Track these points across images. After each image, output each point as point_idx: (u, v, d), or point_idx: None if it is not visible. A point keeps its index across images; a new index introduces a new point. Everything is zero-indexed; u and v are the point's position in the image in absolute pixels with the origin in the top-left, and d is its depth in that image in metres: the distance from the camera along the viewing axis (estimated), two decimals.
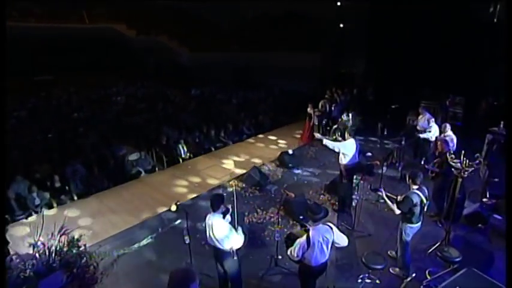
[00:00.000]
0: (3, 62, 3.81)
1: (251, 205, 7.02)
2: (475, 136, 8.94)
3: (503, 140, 6.28)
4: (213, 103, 15.88)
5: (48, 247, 4.06)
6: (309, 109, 11.06)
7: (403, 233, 4.60)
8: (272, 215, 6.60)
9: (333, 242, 3.70)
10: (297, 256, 3.62)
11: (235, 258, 3.91)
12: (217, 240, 3.81)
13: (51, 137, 10.46)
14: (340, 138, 10.74)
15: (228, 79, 18.49)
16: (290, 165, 8.81)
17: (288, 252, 3.74)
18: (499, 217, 5.91)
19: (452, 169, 4.79)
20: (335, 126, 11.01)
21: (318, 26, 14.77)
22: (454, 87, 10.81)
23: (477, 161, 4.85)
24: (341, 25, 13.63)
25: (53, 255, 4.01)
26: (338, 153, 6.43)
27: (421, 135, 7.97)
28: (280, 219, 5.19)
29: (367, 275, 4.55)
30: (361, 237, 5.78)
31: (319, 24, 14.77)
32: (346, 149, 6.26)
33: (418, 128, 8.49)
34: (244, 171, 8.73)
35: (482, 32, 10.31)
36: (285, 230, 4.94)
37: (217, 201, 3.94)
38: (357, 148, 6.39)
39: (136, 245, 5.58)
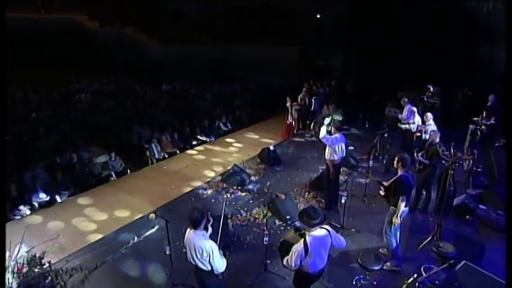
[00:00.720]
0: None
1: (234, 206, 6.72)
2: (454, 127, 9.15)
3: (485, 130, 6.39)
4: (186, 99, 15.33)
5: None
6: (288, 103, 10.86)
7: (392, 218, 4.62)
8: (257, 216, 6.34)
9: (330, 245, 3.50)
10: (295, 266, 3.37)
11: (221, 277, 3.55)
12: (200, 261, 3.40)
13: (6, 140, 9.54)
14: (319, 132, 10.79)
15: (202, 73, 17.94)
16: (272, 162, 8.58)
17: (284, 262, 3.48)
18: (484, 207, 6.01)
19: (443, 161, 4.73)
20: (316, 120, 10.97)
21: (295, 18, 14.59)
22: (432, 78, 11.01)
23: (468, 153, 4.89)
24: (318, 16, 13.53)
25: (10, 278, 3.51)
26: (324, 148, 6.29)
27: (403, 126, 8.00)
28: (266, 221, 4.90)
29: (361, 276, 4.40)
30: (350, 235, 5.66)
31: (296, 16, 14.59)
32: (335, 143, 6.11)
33: (401, 119, 8.53)
34: (223, 170, 8.42)
35: (460, 23, 10.54)
36: (271, 231, 4.69)
37: (197, 218, 3.36)
38: (345, 143, 6.28)
39: (109, 258, 5.12)
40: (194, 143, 10.77)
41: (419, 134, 7.18)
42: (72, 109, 12.66)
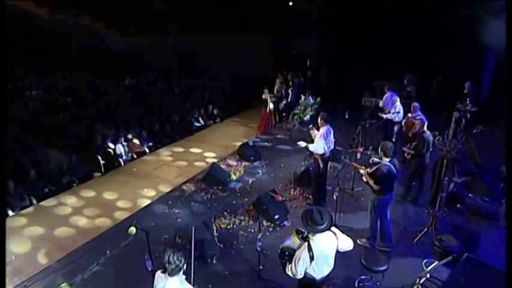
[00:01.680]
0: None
1: (216, 208, 6.32)
2: (430, 115, 9.28)
3: (469, 116, 6.48)
4: (152, 93, 14.55)
5: None
6: (264, 95, 10.54)
7: (376, 204, 4.81)
8: (243, 218, 6.00)
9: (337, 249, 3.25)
10: (300, 274, 3.08)
11: None
12: None
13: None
14: (298, 125, 10.62)
15: (168, 66, 17.12)
16: (252, 158, 8.25)
17: (287, 271, 3.18)
18: (471, 195, 6.09)
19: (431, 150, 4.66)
20: (294, 111, 10.77)
21: (266, 6, 14.22)
22: (407, 66, 11.18)
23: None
24: (290, 3, 13.27)
25: None
26: (311, 141, 6.07)
27: (385, 116, 7.97)
28: (259, 224, 4.58)
29: (363, 277, 4.21)
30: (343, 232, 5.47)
31: (268, 3, 14.22)
32: (327, 140, 5.87)
33: (382, 108, 8.53)
34: (200, 169, 7.96)
35: (433, 12, 10.71)
36: (261, 234, 4.35)
37: (177, 265, 2.64)
38: (334, 135, 6.08)
39: (78, 278, 4.53)
40: (165, 140, 10.16)
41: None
42: (21, 107, 11.50)
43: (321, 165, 6.07)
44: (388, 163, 4.65)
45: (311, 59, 13.58)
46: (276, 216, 5.81)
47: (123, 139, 9.12)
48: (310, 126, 6.33)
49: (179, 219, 6.01)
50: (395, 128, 7.88)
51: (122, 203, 6.63)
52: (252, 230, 5.66)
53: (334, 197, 5.42)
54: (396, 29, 11.19)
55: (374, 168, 4.79)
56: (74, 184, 7.42)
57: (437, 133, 4.95)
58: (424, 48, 11.04)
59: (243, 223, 5.88)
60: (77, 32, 18.71)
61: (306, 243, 3.08)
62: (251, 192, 6.87)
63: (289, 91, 11.65)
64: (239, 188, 7.08)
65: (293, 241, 3.26)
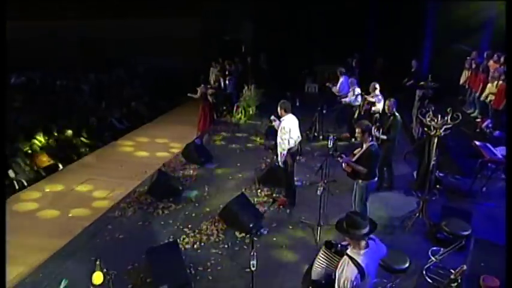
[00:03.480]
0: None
1: (173, 226, 5.49)
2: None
3: (433, 93, 6.81)
4: (53, 93, 12.58)
5: None
6: (200, 88, 9.77)
7: (365, 191, 4.73)
8: (210, 233, 5.29)
9: None
10: None
11: None
12: None
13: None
14: (244, 118, 10.20)
15: (69, 58, 15.02)
16: (202, 159, 7.53)
17: None
18: (442, 174, 6.40)
19: (425, 129, 4.67)
20: (237, 104, 10.32)
21: None
22: (348, 50, 11.61)
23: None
24: None
25: None
26: (266, 135, 5.71)
27: (344, 100, 8.03)
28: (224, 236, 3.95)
29: (385, 280, 3.90)
30: (331, 231, 5.19)
31: None
32: (293, 130, 5.57)
33: (337, 93, 8.58)
34: (139, 180, 6.94)
35: None
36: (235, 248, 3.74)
37: None
38: (298, 124, 5.81)
39: None
40: (83, 150, 8.76)
41: (369, 107, 7.22)
42: None
43: (289, 160, 5.72)
44: (373, 142, 4.61)
45: (247, 44, 13.22)
46: (251, 225, 5.27)
47: (23, 153, 7.51)
48: (272, 117, 5.92)
49: (128, 247, 5.03)
50: (356, 111, 7.97)
51: (41, 237, 5.31)
52: (226, 246, 5.01)
53: (318, 192, 5.10)
54: (336, 11, 11.53)
55: (360, 151, 4.65)
56: None
57: (431, 109, 4.95)
58: (364, 29, 11.61)
59: (212, 238, 5.18)
60: None
61: (347, 258, 2.62)
62: (211, 200, 6.21)
63: (227, 81, 11.13)
64: (195, 196, 6.33)
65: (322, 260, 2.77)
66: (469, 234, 3.98)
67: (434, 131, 4.63)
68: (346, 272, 2.55)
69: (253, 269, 3.78)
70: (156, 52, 14.52)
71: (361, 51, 12.01)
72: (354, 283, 2.49)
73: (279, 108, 5.65)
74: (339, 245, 2.80)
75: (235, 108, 10.11)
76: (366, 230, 2.62)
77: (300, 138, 5.94)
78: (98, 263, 2.63)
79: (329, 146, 6.30)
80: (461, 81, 8.98)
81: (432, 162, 4.83)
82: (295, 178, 6.47)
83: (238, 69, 11.82)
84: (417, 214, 5.09)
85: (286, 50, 12.51)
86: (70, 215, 5.94)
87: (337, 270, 2.62)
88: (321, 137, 8.67)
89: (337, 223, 2.73)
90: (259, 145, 8.56)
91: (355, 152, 4.81)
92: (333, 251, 2.81)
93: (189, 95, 9.31)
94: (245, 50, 13.02)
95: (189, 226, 5.46)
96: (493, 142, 6.27)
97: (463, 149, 6.43)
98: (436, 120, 4.56)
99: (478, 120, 7.46)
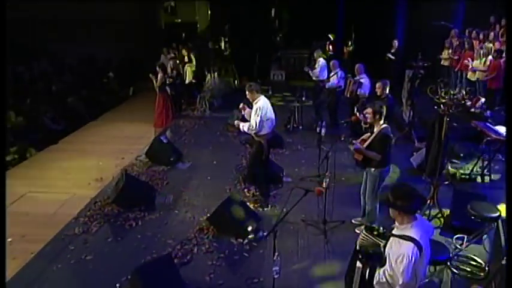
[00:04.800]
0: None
1: (153, 238, 5.12)
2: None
3: (423, 72, 7.08)
4: None
5: None
6: (160, 77, 9.34)
7: (378, 180, 4.74)
8: (201, 242, 4.99)
9: None
10: (408, 279, 2.54)
11: None
12: None
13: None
14: (209, 110, 9.95)
15: None
16: (171, 159, 7.18)
17: (381, 277, 2.64)
18: None
19: (436, 107, 4.84)
20: (200, 95, 10.05)
21: None
22: (316, 34, 11.88)
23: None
24: None
25: None
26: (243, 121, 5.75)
27: (328, 85, 8.12)
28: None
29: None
30: (337, 229, 5.18)
31: None
32: (267, 114, 5.48)
33: (315, 78, 8.67)
34: (94, 190, 6.40)
35: None
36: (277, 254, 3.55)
37: None
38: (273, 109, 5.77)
39: None
40: (10, 158, 7.90)
41: (354, 90, 7.36)
42: None
43: (264, 148, 5.64)
44: (387, 125, 4.63)
45: (203, 28, 12.90)
46: (249, 228, 5.08)
47: None
48: (241, 105, 5.79)
49: (101, 270, 4.58)
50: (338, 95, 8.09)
51: None
52: (223, 255, 4.77)
53: (324, 185, 5.04)
54: None
55: (372, 136, 4.66)
56: None
57: (442, 80, 5.09)
58: (334, 12, 11.97)
59: (204, 248, 4.89)
60: None
61: (396, 238, 2.63)
62: (192, 205, 5.92)
63: (185, 69, 10.76)
64: (171, 201, 5.99)
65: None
66: (499, 216, 4.14)
67: (446, 108, 4.78)
68: (399, 249, 2.58)
69: (276, 276, 3.63)
70: (87, 40, 13.58)
71: (329, 35, 12.31)
72: (412, 258, 2.52)
73: (248, 92, 5.52)
74: (381, 228, 2.87)
75: (198, 100, 9.79)
76: (418, 202, 2.74)
77: (274, 122, 5.82)
78: None
79: (322, 135, 6.41)
80: (442, 61, 9.50)
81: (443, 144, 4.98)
82: (283, 174, 6.50)
83: (198, 55, 11.50)
84: (428, 201, 5.24)
85: (249, 33, 12.43)
86: (9, 240, 5.22)
87: (387, 251, 2.67)
88: (300, 127, 8.73)
89: (384, 197, 2.81)
90: (233, 140, 8.38)
91: (364, 137, 4.84)
92: (376, 234, 2.84)
93: (150, 75, 8.86)
94: (200, 34, 12.72)
95: (173, 237, 5.13)
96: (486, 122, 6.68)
97: (456, 132, 6.76)
98: (450, 97, 4.71)
99: (468, 101, 7.93)
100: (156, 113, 9.38)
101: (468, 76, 8.21)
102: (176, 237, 5.11)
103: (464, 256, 4.45)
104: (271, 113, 5.62)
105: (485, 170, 6.17)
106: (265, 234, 5.14)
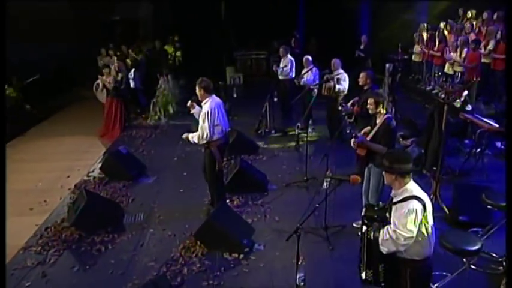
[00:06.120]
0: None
1: (130, 262, 4.85)
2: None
3: (404, 66, 7.49)
4: None
5: None
6: (102, 79, 8.98)
7: (382, 176, 4.68)
8: (189, 261, 4.82)
9: None
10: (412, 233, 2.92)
11: None
12: None
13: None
14: (165, 118, 9.73)
15: None
16: (133, 173, 6.92)
17: (386, 235, 3.01)
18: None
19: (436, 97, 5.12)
20: (154, 100, 9.82)
21: None
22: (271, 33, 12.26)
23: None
24: None
25: None
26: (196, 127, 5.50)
27: (303, 81, 8.30)
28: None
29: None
30: (339, 234, 5.25)
31: None
32: (216, 119, 5.31)
33: (281, 77, 8.88)
34: (41, 215, 6.02)
35: None
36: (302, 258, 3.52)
37: None
38: (225, 109, 5.77)
39: None
40: None
41: (332, 86, 7.56)
42: None
43: (217, 155, 5.50)
44: (390, 115, 4.80)
45: (147, 26, 12.67)
46: (245, 241, 5.00)
47: None
48: (189, 103, 5.63)
49: None
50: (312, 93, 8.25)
51: None
52: (219, 273, 4.62)
53: (324, 186, 5.09)
54: None
55: (375, 128, 4.74)
56: None
57: (414, 77, 5.38)
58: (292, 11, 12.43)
59: (195, 268, 4.71)
60: None
61: (395, 205, 3.03)
62: (169, 221, 5.74)
63: (132, 73, 10.43)
64: (145, 218, 5.80)
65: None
66: None
67: (447, 97, 5.08)
68: (402, 208, 2.94)
69: (301, 284, 3.59)
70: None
71: (287, 33, 12.67)
72: (415, 211, 2.90)
73: (197, 89, 5.38)
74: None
75: (151, 106, 9.55)
76: (410, 163, 3.11)
77: (229, 128, 5.82)
78: None
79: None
80: (414, 56, 10.07)
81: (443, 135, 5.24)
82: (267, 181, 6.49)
83: (147, 59, 11.23)
84: (431, 197, 5.48)
85: (199, 33, 12.45)
86: None
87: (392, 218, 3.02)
88: (273, 130, 8.81)
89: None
90: (201, 148, 8.23)
91: (365, 130, 4.95)
92: (378, 209, 3.27)
93: (100, 78, 8.68)
94: (144, 33, 12.49)
95: (154, 258, 4.90)
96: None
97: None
98: (449, 86, 5.01)
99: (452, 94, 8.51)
100: (104, 122, 9.03)
101: (445, 69, 8.82)
102: (158, 259, 4.90)
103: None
104: (222, 117, 5.45)
105: (477, 162, 6.54)
106: (260, 247, 5.09)
